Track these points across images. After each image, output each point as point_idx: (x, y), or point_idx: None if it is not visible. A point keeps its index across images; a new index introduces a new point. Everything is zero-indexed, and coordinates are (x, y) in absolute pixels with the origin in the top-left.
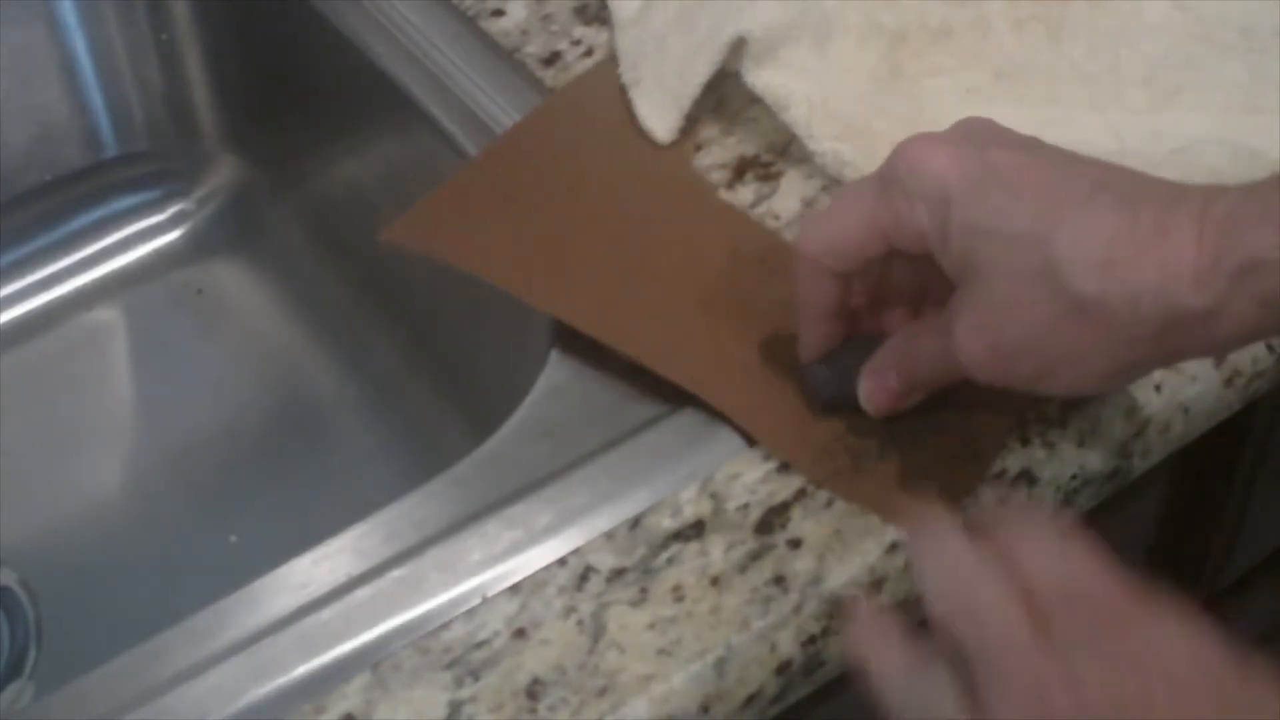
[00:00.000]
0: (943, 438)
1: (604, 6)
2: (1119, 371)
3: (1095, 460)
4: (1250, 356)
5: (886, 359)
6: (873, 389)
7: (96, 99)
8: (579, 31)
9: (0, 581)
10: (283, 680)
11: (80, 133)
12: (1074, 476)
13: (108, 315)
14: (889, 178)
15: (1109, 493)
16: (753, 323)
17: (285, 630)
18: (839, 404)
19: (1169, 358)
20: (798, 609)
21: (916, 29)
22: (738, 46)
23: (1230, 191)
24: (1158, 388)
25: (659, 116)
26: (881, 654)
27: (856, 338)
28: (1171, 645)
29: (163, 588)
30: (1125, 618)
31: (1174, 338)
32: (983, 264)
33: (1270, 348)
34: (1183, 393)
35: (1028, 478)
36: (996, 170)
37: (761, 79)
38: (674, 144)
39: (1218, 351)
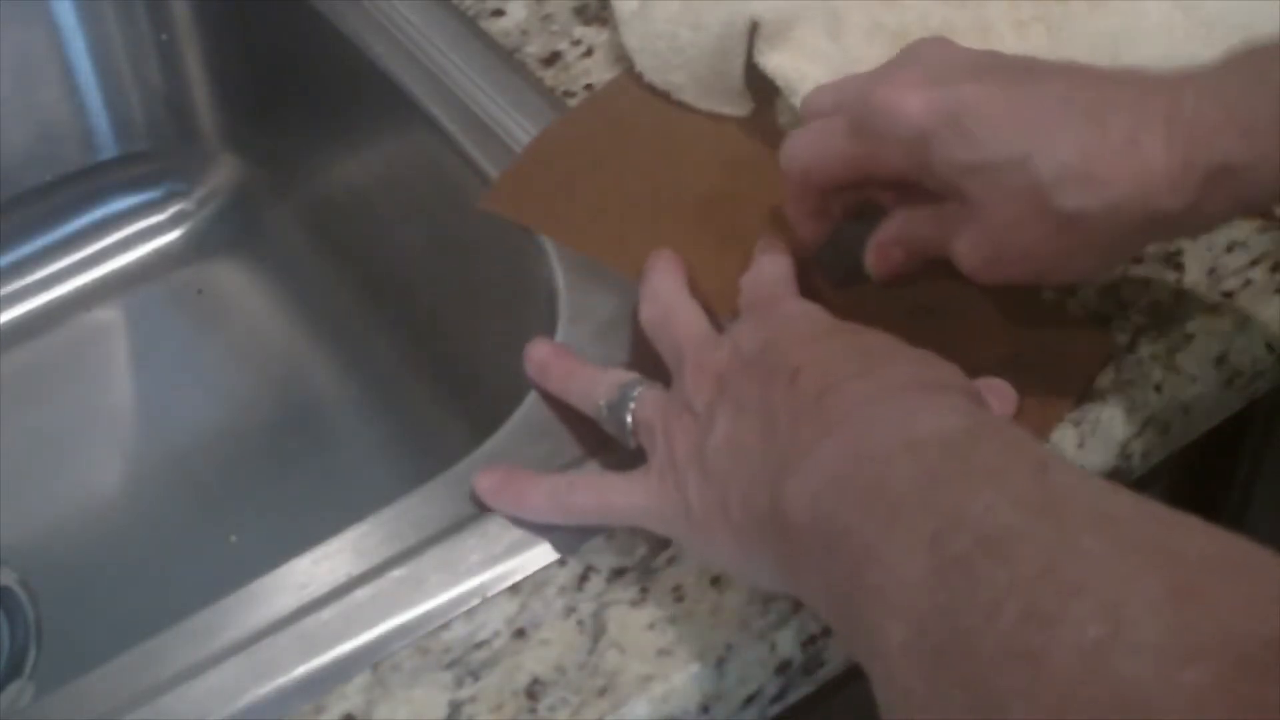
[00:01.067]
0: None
1: (604, 6)
2: (1110, 262)
3: (1095, 460)
4: (1250, 356)
5: (890, 235)
6: (878, 260)
7: (96, 99)
8: (579, 31)
9: (0, 581)
10: (283, 680)
11: (80, 133)
12: None
13: (108, 315)
14: (863, 125)
15: None
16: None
17: (285, 630)
18: (848, 279)
19: (1154, 242)
20: (797, 609)
21: (918, 30)
22: (751, 30)
23: (1191, 91)
24: (1158, 388)
25: (725, 107)
26: (587, 380)
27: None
28: (796, 308)
29: (163, 588)
30: (771, 302)
31: (1156, 231)
32: (970, 192)
33: (1270, 347)
34: (1183, 393)
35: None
36: (967, 104)
37: (773, 61)
38: (752, 112)
39: (1199, 234)
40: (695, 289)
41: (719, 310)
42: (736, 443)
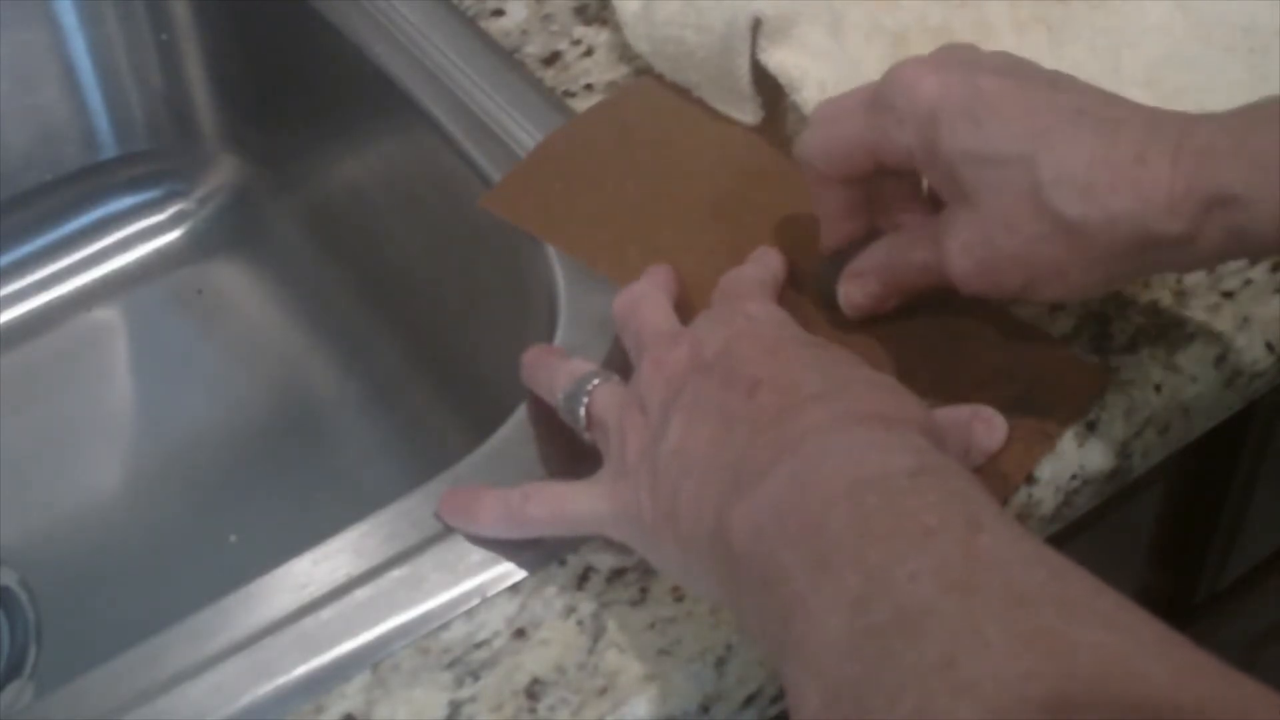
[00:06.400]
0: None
1: (604, 6)
2: (1099, 283)
3: (1095, 460)
4: (1250, 357)
5: (869, 264)
6: (851, 291)
7: (96, 99)
8: (579, 31)
9: (0, 581)
10: (283, 680)
11: (80, 133)
12: (1074, 476)
13: (108, 315)
14: (880, 98)
15: (1109, 493)
16: None
17: (285, 630)
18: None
19: (1145, 272)
20: None
21: (918, 31)
22: (754, 28)
23: (1205, 124)
24: (1158, 387)
25: (735, 109)
26: (550, 370)
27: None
28: (761, 310)
29: (163, 588)
30: (738, 299)
31: (1149, 256)
32: (970, 185)
33: (1270, 347)
34: (1183, 393)
35: (1027, 477)
36: (983, 94)
37: (775, 58)
38: (762, 121)
39: (1191, 269)
40: (690, 301)
41: None
42: (689, 449)
